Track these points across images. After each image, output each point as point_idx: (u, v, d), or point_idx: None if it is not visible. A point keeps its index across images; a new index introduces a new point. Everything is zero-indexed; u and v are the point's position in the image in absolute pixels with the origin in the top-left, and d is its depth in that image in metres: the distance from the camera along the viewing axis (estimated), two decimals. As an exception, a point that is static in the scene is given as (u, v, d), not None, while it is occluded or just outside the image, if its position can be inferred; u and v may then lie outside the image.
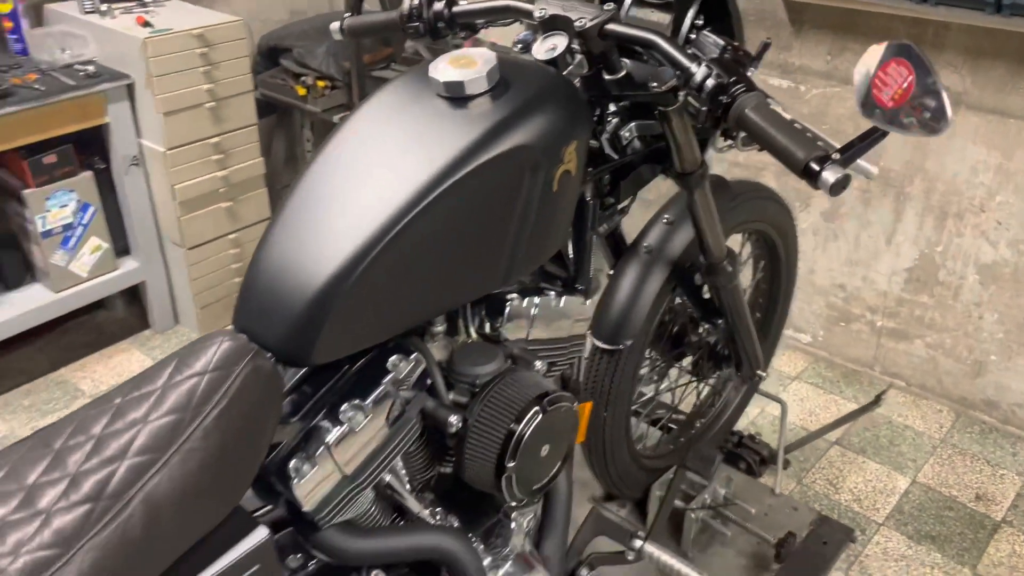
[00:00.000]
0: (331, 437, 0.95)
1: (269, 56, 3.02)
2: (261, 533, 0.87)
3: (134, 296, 2.81)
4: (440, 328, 1.09)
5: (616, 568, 1.53)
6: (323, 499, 0.96)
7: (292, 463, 0.93)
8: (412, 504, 1.08)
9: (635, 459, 1.75)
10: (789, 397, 2.46)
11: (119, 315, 2.81)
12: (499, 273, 1.04)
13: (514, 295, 1.14)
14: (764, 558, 1.83)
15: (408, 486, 1.08)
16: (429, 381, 1.05)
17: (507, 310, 1.12)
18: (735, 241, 1.68)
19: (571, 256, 1.26)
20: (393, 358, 1.00)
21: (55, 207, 2.37)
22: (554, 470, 1.10)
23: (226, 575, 0.84)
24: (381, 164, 0.97)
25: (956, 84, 2.15)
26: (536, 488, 1.08)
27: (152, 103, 2.36)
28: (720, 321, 1.62)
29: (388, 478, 1.05)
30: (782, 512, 1.88)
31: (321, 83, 2.88)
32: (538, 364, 1.15)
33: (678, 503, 1.80)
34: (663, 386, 1.83)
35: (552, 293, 1.18)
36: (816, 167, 0.89)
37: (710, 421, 1.97)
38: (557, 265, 1.27)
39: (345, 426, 0.95)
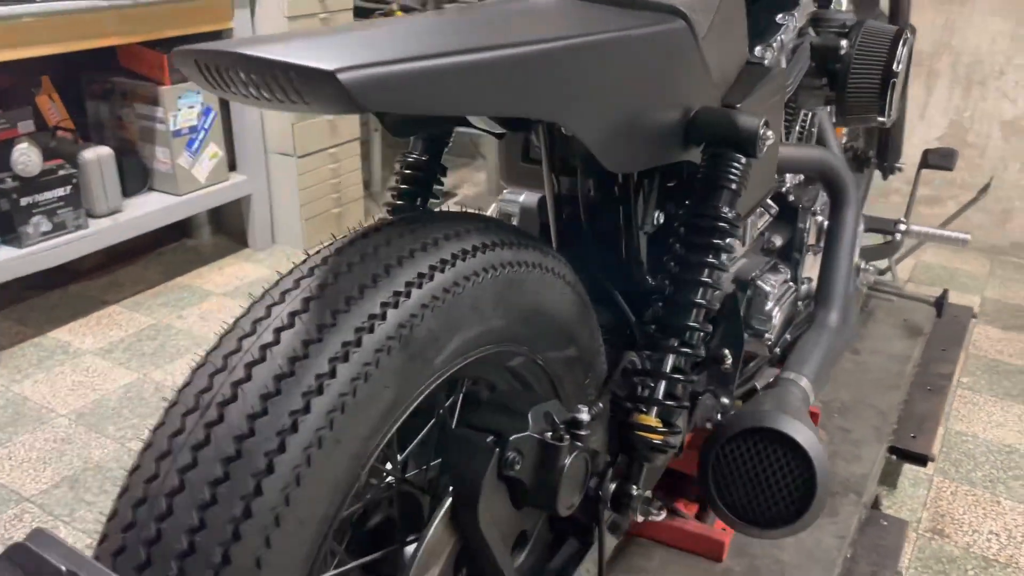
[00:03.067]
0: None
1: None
2: (681, 23, 1.05)
3: (220, 224, 2.87)
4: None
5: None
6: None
7: None
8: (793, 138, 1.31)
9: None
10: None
11: (212, 240, 2.85)
12: None
13: None
14: (914, 328, 2.12)
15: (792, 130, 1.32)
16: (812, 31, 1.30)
17: None
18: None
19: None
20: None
21: (184, 107, 2.44)
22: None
23: (658, 34, 1.02)
24: None
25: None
26: (903, 107, 1.33)
27: (275, 8, 2.51)
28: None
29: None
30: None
31: (399, 14, 3.08)
32: None
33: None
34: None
35: None
36: None
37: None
38: None
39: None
